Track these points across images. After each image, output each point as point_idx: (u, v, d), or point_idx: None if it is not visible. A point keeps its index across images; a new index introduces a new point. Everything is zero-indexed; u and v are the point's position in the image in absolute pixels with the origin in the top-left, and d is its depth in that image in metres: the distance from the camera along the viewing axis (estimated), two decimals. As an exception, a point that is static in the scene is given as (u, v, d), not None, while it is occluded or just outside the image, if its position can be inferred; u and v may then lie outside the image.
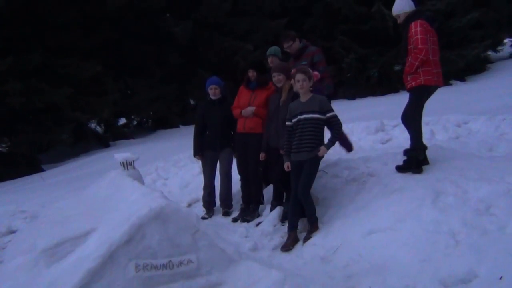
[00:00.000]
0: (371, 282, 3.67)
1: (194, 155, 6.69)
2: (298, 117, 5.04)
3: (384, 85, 17.88)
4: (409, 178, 5.05)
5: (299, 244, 4.91)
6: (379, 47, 17.62)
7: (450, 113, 9.02)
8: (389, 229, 4.32)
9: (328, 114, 5.03)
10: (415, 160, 5.33)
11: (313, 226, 4.96)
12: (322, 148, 4.97)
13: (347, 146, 6.78)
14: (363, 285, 3.69)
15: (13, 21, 13.80)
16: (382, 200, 4.80)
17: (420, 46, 5.10)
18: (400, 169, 5.39)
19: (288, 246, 4.91)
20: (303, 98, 5.09)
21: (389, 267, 3.86)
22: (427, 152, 5.47)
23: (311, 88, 5.16)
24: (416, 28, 5.13)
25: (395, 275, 3.70)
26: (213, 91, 6.46)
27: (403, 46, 5.43)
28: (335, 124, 5.06)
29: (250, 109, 6.04)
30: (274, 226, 5.46)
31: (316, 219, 5.01)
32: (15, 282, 3.76)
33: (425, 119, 8.34)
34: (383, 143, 7.85)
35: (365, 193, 5.20)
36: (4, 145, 15.57)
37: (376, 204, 4.80)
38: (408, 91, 5.46)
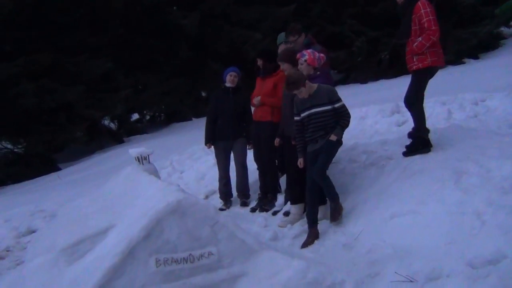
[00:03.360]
0: (396, 267, 3.60)
1: (205, 144, 6.64)
2: (307, 112, 4.90)
3: (396, 67, 17.63)
4: (429, 160, 4.94)
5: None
6: (389, 29, 17.34)
7: (466, 91, 8.84)
8: (411, 212, 4.24)
9: (337, 105, 4.87)
10: (421, 140, 5.23)
11: (336, 205, 4.81)
12: (331, 135, 4.80)
13: None
14: (388, 270, 3.61)
15: (22, 22, 13.82)
16: (402, 183, 4.71)
17: (433, 27, 4.99)
18: (407, 153, 5.30)
19: (309, 243, 4.74)
20: (310, 92, 4.90)
21: (413, 251, 3.78)
22: (431, 135, 5.35)
23: (318, 72, 5.05)
24: (426, 9, 5.00)
25: (420, 259, 3.61)
26: (231, 78, 6.39)
27: (404, 26, 5.27)
28: (344, 114, 4.90)
29: (257, 99, 6.05)
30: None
31: (338, 197, 4.85)
32: (36, 282, 3.75)
33: (441, 98, 8.25)
34: (399, 125, 7.71)
35: (384, 177, 5.12)
36: (20, 146, 15.66)
37: (397, 187, 4.71)
38: (412, 72, 5.33)
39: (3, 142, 15.52)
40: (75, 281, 3.47)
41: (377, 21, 17.55)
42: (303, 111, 4.92)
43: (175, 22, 17.30)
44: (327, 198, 4.99)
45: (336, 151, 5.02)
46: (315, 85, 4.91)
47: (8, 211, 8.10)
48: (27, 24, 13.92)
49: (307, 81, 4.83)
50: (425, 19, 5.00)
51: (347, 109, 4.92)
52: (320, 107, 4.84)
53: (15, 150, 15.60)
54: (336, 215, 4.80)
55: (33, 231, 6.96)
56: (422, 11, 5.01)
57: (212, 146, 6.58)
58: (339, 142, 4.92)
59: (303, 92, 4.85)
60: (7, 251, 6.57)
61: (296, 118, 5.03)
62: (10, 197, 10.44)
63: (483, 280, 3.17)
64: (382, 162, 5.47)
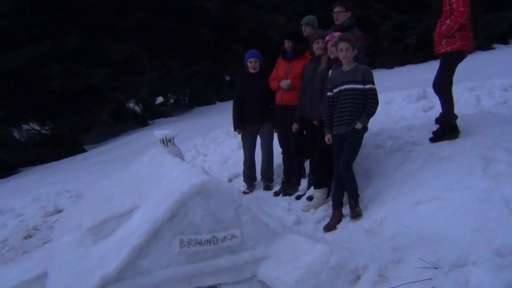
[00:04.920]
0: (420, 253, 3.54)
1: (235, 129, 6.63)
2: (339, 88, 4.78)
3: (423, 52, 17.30)
4: (457, 146, 4.85)
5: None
6: (417, 13, 17.01)
7: (495, 77, 8.63)
8: (437, 199, 4.16)
9: (367, 86, 4.71)
10: (449, 126, 5.13)
11: (355, 203, 4.72)
12: (357, 123, 4.69)
13: None
14: (412, 257, 3.56)
15: (49, 5, 13.96)
16: (429, 170, 4.63)
17: (461, 9, 4.83)
18: (434, 139, 5.20)
19: (332, 226, 4.70)
20: (346, 68, 4.81)
21: (438, 238, 3.72)
22: (459, 121, 5.24)
23: None
24: None
25: (445, 246, 3.56)
26: (252, 64, 6.34)
27: (436, 4, 5.13)
28: (371, 98, 4.73)
29: (286, 82, 5.90)
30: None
31: (358, 195, 4.78)
32: (64, 260, 3.83)
33: (469, 84, 8.08)
34: (425, 111, 7.58)
35: (410, 162, 5.04)
36: (47, 128, 15.97)
37: (423, 173, 4.63)
38: (440, 56, 5.21)
39: (31, 124, 15.84)
40: (101, 260, 3.53)
41: (404, 5, 17.20)
42: (336, 86, 4.83)
43: (199, 5, 17.27)
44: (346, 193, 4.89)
45: (362, 139, 4.92)
46: (354, 64, 4.81)
47: (36, 191, 8.28)
48: (55, 7, 14.05)
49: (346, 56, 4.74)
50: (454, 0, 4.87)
51: (376, 95, 4.76)
52: (352, 84, 4.71)
53: (43, 131, 15.93)
54: (354, 214, 4.67)
55: (60, 211, 7.11)
56: None
57: (242, 130, 6.56)
58: (364, 129, 4.83)
59: (321, 48, 4.96)
60: (35, 229, 6.74)
61: (328, 93, 4.94)
62: (38, 177, 10.66)
63: (510, 268, 3.10)
64: (408, 148, 5.38)
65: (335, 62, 5.06)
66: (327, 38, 5.17)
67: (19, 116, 14.42)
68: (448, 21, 4.93)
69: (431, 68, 5.68)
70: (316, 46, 5.46)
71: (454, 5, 4.86)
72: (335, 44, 4.86)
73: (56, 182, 8.93)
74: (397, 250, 3.76)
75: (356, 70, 4.76)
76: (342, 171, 4.73)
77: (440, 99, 5.30)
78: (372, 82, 4.75)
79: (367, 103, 4.73)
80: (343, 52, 4.72)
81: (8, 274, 4.19)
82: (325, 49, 5.33)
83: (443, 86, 5.17)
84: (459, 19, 4.85)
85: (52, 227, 6.02)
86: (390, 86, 9.66)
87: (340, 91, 4.79)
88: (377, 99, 4.77)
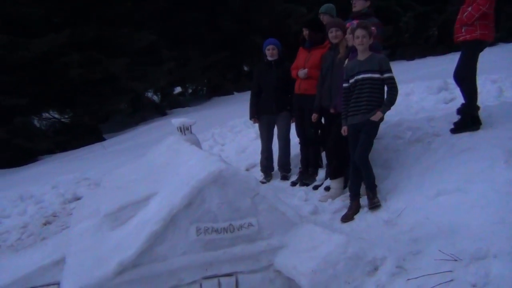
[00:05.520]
0: (440, 245, 3.49)
1: (250, 118, 6.61)
2: (356, 77, 4.71)
3: (444, 44, 17.05)
4: (478, 138, 4.77)
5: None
6: (438, 4, 16.75)
7: (519, 69, 8.46)
8: (458, 190, 4.10)
9: (386, 75, 4.63)
10: (470, 117, 5.03)
11: (373, 194, 4.67)
12: (378, 112, 4.63)
13: None
14: (431, 248, 3.51)
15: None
16: (449, 161, 4.56)
17: None
18: (455, 130, 5.11)
19: (349, 216, 4.67)
20: (362, 57, 4.73)
21: (458, 230, 3.66)
22: (481, 113, 5.14)
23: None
24: None
25: (465, 238, 3.50)
26: (270, 52, 6.29)
27: None
28: (391, 88, 4.66)
29: (304, 71, 5.84)
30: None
31: (375, 186, 4.73)
32: (82, 245, 3.86)
33: (491, 76, 7.92)
34: (446, 103, 7.46)
35: (430, 154, 4.96)
36: (66, 116, 16.13)
37: (443, 165, 4.56)
38: (458, 44, 5.09)
39: (51, 112, 16.00)
40: (118, 246, 3.55)
41: (426, -4, 16.98)
42: (352, 76, 4.76)
43: (219, -6, 17.23)
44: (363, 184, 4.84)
45: (377, 129, 4.86)
46: (370, 52, 4.73)
47: (55, 178, 8.37)
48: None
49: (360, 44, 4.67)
50: None
51: (395, 83, 4.68)
52: (368, 73, 4.64)
53: (62, 120, 16.09)
54: (372, 205, 4.61)
55: (78, 198, 7.18)
56: None
57: (258, 119, 6.54)
58: (380, 120, 4.75)
59: (336, 36, 4.99)
60: (54, 216, 6.82)
61: (344, 84, 4.88)
62: (57, 165, 10.78)
63: (532, 261, 3.04)
64: (428, 139, 5.31)
65: (352, 51, 4.99)
66: (347, 25, 5.10)
67: (40, 104, 14.57)
68: (470, 9, 4.83)
69: (452, 60, 5.57)
70: (331, 35, 5.39)
71: None
72: (352, 31, 4.79)
73: (75, 170, 9.01)
74: (416, 241, 3.71)
75: (372, 59, 4.69)
76: (358, 162, 4.68)
77: (461, 89, 5.21)
78: (390, 71, 4.68)
79: (388, 92, 4.66)
80: (359, 39, 4.65)
81: (27, 259, 4.24)
82: (342, 37, 5.26)
83: (464, 76, 5.07)
84: (481, 7, 4.75)
85: (71, 214, 6.07)
86: (410, 77, 9.53)
87: (356, 81, 4.72)
88: (396, 87, 4.70)
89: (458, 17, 4.99)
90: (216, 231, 3.61)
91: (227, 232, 3.63)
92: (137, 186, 4.37)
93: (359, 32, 4.64)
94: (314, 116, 5.65)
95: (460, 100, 5.52)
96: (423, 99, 7.92)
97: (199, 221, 3.56)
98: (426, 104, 7.62)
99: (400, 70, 12.23)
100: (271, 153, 6.51)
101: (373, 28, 5.13)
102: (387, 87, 4.68)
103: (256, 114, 6.49)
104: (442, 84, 8.07)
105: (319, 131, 5.93)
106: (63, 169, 9.59)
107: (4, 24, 12.91)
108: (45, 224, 6.53)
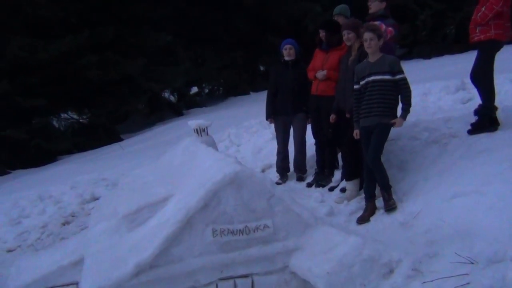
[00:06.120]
0: (456, 248, 3.47)
1: (266, 119, 6.63)
2: (366, 79, 4.71)
3: (462, 42, 16.83)
4: (496, 139, 4.72)
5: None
6: (456, 2, 16.54)
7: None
8: (474, 192, 4.06)
9: (398, 76, 4.62)
10: (488, 118, 4.98)
11: (389, 195, 4.65)
12: (398, 119, 4.63)
13: None
14: (448, 251, 3.50)
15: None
16: (466, 162, 4.53)
17: None
18: (473, 131, 5.07)
19: (365, 218, 4.67)
20: (372, 58, 4.74)
21: (475, 233, 3.63)
22: (499, 113, 5.08)
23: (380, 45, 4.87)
24: None
25: (482, 241, 3.47)
26: (287, 51, 6.30)
27: None
28: (404, 88, 4.65)
29: (322, 73, 5.82)
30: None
31: (390, 187, 4.70)
32: (100, 246, 3.92)
33: (510, 75, 7.80)
34: (464, 103, 7.37)
35: (447, 155, 4.93)
36: (85, 117, 16.33)
37: (460, 166, 4.53)
38: (473, 44, 5.05)
39: (70, 113, 16.21)
40: (135, 247, 3.60)
41: (443, -7, 16.78)
42: (362, 78, 4.76)
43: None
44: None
45: (389, 132, 4.83)
46: (380, 54, 4.72)
47: (74, 178, 8.48)
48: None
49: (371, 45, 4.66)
50: None
51: (408, 84, 4.67)
52: (379, 75, 4.63)
53: (81, 120, 16.29)
54: (388, 207, 4.59)
55: (97, 198, 7.26)
56: None
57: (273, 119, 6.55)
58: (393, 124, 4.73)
59: (348, 39, 5.01)
60: (73, 216, 6.92)
61: (355, 86, 4.88)
62: (76, 165, 10.91)
63: (550, 265, 3.01)
64: (445, 140, 5.27)
65: (365, 54, 4.97)
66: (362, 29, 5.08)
67: (58, 105, 14.77)
68: (483, 9, 4.79)
69: (469, 59, 5.52)
70: (344, 38, 5.38)
71: None
72: (361, 34, 4.79)
73: (93, 170, 9.12)
74: (432, 244, 3.70)
75: (383, 61, 4.68)
76: (371, 164, 4.68)
77: (479, 90, 5.16)
78: (402, 72, 4.67)
79: (403, 95, 4.65)
80: (367, 42, 4.66)
81: (46, 259, 4.31)
82: (355, 39, 5.26)
83: (480, 76, 5.03)
84: (494, 6, 4.71)
85: (89, 214, 6.16)
86: (427, 77, 9.45)
87: (367, 83, 4.72)
88: (409, 88, 4.69)
89: (473, 17, 4.95)
90: (232, 232, 3.63)
91: (242, 233, 3.65)
92: (154, 187, 4.41)
93: (367, 35, 4.65)
94: (332, 117, 5.63)
95: (477, 100, 5.47)
96: (440, 99, 7.85)
97: (215, 223, 3.59)
98: (443, 104, 7.55)
99: (417, 68, 12.15)
100: (287, 154, 6.52)
101: (389, 29, 5.13)
102: (400, 89, 4.66)
103: (272, 114, 6.50)
104: (460, 83, 7.98)
105: (336, 132, 5.91)
106: (81, 169, 9.71)
107: (24, 26, 13.11)
108: (64, 224, 6.63)
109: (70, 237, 5.61)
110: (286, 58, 6.32)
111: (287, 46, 6.30)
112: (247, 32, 18.04)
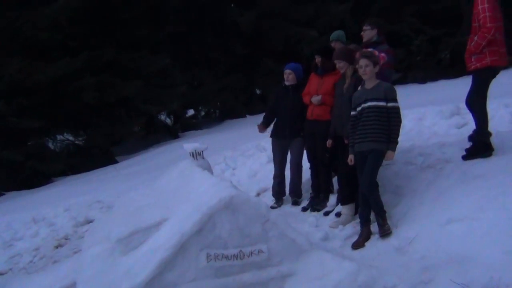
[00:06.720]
0: (451, 274, 3.47)
1: (259, 126, 6.64)
2: (362, 106, 4.74)
3: (456, 67, 17.01)
4: (491, 164, 4.74)
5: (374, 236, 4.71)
6: (451, 28, 16.76)
7: (532, 94, 8.40)
8: (469, 218, 4.07)
9: (390, 104, 4.64)
10: (482, 144, 5.01)
11: (383, 221, 4.62)
12: (388, 153, 4.65)
13: None
14: (442, 277, 3.49)
15: (86, 19, 14.33)
16: (461, 188, 4.53)
17: (488, 25, 4.75)
18: (467, 156, 5.09)
19: (360, 243, 4.64)
20: (368, 85, 4.78)
21: (470, 259, 3.63)
22: (493, 139, 5.12)
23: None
24: (484, 5, 4.77)
25: (477, 267, 3.47)
26: (286, 76, 6.35)
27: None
28: (394, 118, 4.65)
29: (317, 98, 5.85)
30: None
31: (385, 212, 4.68)
32: (93, 271, 3.88)
33: (504, 100, 7.87)
34: (458, 128, 7.41)
35: (442, 180, 4.94)
36: (80, 139, 16.33)
37: (455, 192, 4.53)
38: (471, 73, 5.11)
39: (65, 134, 16.21)
40: (129, 271, 3.57)
41: (438, 19, 17.00)
42: (359, 105, 4.79)
43: (232, 19, 17.45)
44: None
45: (383, 158, 4.79)
46: (377, 81, 4.76)
47: (67, 201, 8.45)
48: (91, 20, 14.41)
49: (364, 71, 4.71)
50: (481, 16, 4.78)
51: (399, 114, 4.68)
52: (374, 101, 4.66)
53: (76, 142, 16.28)
54: (383, 233, 4.58)
55: (90, 221, 7.22)
56: (480, 7, 4.80)
57: (264, 129, 6.60)
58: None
59: (343, 67, 5.05)
60: (66, 239, 6.87)
61: (352, 113, 4.91)
62: (70, 187, 10.88)
63: (545, 293, 3.01)
64: (440, 165, 5.29)
65: (361, 80, 5.01)
66: (357, 55, 5.13)
67: (54, 127, 14.78)
68: (476, 38, 4.86)
69: (465, 84, 5.58)
70: (338, 66, 5.46)
71: (481, 22, 4.78)
72: (356, 62, 4.85)
73: (88, 192, 9.08)
74: (427, 270, 3.69)
75: (379, 87, 4.72)
76: (365, 189, 4.68)
77: (473, 116, 5.20)
78: (395, 100, 4.69)
79: (392, 124, 4.66)
80: (362, 68, 4.71)
81: (39, 283, 4.28)
82: (347, 66, 5.33)
83: (475, 103, 5.08)
84: (486, 35, 4.77)
85: (82, 237, 6.12)
86: (422, 101, 9.51)
87: (363, 109, 4.75)
88: (400, 118, 4.70)
89: (467, 47, 5.02)
90: (226, 257, 3.61)
91: (237, 258, 3.63)
92: (149, 211, 4.40)
93: (362, 62, 4.70)
94: (329, 142, 5.64)
95: (472, 125, 5.51)
96: (435, 124, 7.89)
97: (209, 248, 3.57)
98: (438, 129, 7.59)
99: (412, 93, 12.24)
100: (284, 178, 6.51)
101: (382, 54, 5.18)
102: (390, 118, 4.66)
103: (268, 124, 6.58)
104: (454, 108, 8.04)
105: (332, 157, 5.93)
106: (75, 191, 9.68)
107: (22, 48, 13.19)
108: (57, 247, 6.57)
109: (63, 260, 5.57)
110: (286, 83, 6.37)
111: (287, 71, 6.35)
112: (243, 55, 18.20)
